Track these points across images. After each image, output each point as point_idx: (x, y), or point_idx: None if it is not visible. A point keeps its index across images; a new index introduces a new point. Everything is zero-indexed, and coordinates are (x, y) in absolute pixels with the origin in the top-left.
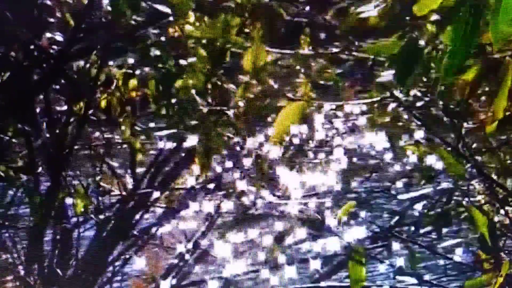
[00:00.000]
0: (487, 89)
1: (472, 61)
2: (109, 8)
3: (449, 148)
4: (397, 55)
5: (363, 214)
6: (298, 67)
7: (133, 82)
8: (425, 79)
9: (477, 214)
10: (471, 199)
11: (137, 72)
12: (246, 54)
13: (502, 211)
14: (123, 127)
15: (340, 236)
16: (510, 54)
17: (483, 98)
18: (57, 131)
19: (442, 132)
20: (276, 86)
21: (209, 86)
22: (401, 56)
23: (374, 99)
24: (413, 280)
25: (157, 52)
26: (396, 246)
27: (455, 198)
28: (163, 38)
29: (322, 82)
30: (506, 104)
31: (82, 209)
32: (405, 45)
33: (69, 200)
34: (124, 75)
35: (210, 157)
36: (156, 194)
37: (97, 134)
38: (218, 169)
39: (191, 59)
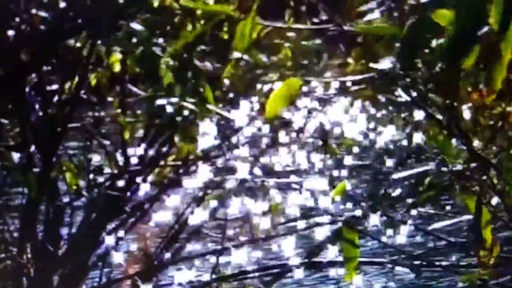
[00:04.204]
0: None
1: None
2: None
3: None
4: (404, 34)
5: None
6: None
7: (120, 60)
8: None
9: (465, 197)
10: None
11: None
12: (239, 26)
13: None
14: (112, 105)
15: (333, 215)
16: None
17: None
18: (50, 110)
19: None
20: (266, 60)
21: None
22: (408, 36)
23: (365, 75)
24: None
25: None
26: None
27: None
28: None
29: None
30: (505, 75)
31: (74, 186)
32: (411, 25)
33: (61, 178)
34: (113, 54)
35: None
36: (147, 171)
37: (87, 112)
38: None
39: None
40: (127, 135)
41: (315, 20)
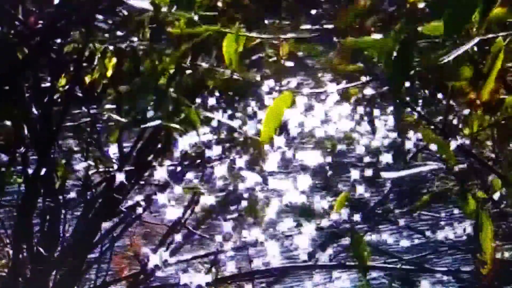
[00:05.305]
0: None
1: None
2: None
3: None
4: (392, 63)
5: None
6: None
7: (113, 59)
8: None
9: (469, 199)
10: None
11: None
12: (225, 41)
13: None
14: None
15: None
16: (504, 35)
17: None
18: (45, 108)
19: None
20: (256, 76)
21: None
22: (395, 62)
23: (361, 82)
24: None
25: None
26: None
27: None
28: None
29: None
30: (492, 87)
31: (67, 185)
32: (400, 46)
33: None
34: (106, 51)
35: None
36: (142, 171)
37: (81, 110)
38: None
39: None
40: (114, 137)
41: (314, 11)
